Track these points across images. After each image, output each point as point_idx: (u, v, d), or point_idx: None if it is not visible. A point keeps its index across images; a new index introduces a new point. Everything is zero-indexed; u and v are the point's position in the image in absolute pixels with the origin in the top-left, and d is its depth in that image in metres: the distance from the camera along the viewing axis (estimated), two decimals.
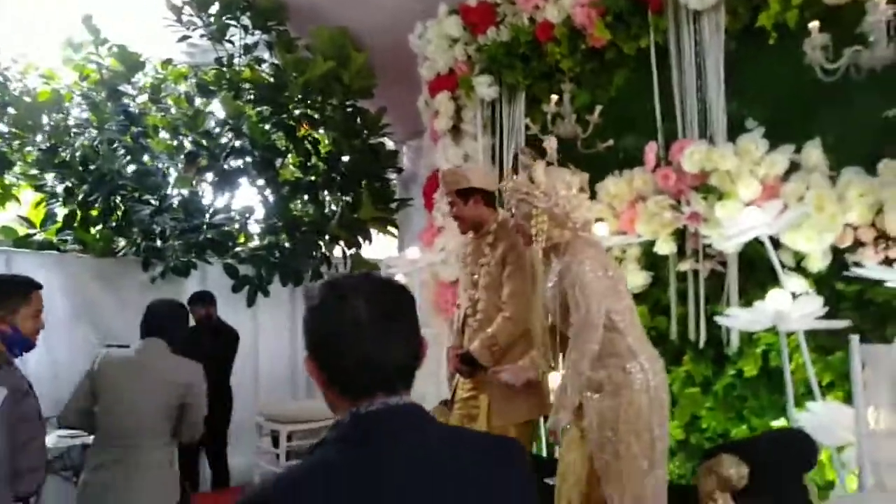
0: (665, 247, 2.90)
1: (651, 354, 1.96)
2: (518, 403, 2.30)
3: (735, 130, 2.76)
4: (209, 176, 4.61)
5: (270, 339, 4.76)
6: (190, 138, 4.62)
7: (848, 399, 2.21)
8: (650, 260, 3.03)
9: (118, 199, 4.54)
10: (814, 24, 2.35)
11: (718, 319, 2.50)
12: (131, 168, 4.59)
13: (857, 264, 2.34)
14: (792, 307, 2.21)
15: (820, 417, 2.12)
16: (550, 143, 2.04)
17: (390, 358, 0.90)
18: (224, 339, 4.10)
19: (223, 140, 4.56)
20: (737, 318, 2.36)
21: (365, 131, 4.85)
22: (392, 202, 5.02)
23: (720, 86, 2.80)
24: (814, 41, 2.35)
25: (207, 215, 4.45)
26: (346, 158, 4.81)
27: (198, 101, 4.84)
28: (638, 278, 3.01)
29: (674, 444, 2.98)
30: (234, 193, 4.79)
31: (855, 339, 1.98)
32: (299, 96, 4.62)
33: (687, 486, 2.04)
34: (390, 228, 4.93)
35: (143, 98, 4.86)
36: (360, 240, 4.92)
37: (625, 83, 3.24)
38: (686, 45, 2.91)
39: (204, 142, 4.47)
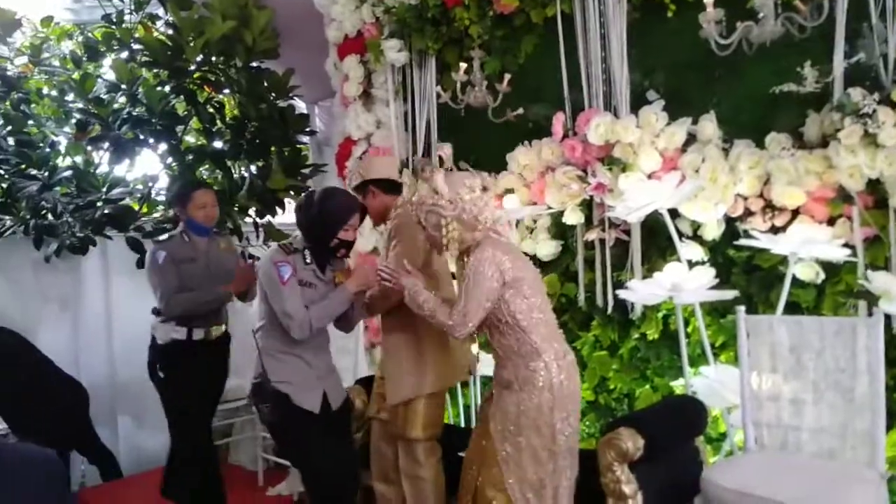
0: (573, 217, 2.96)
1: (558, 351, 2.01)
2: (402, 382, 2.34)
3: (637, 101, 2.80)
4: (104, 145, 4.29)
5: None
6: (80, 104, 4.26)
7: (738, 360, 2.35)
8: (560, 229, 3.09)
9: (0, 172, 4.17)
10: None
11: (619, 293, 2.59)
12: (13, 139, 4.20)
13: (746, 233, 2.47)
14: (686, 279, 2.32)
15: (711, 382, 2.26)
16: (445, 150, 2.08)
17: None
18: None
19: (116, 106, 4.23)
20: (637, 292, 2.45)
21: (272, 94, 4.63)
22: (305, 168, 4.85)
23: (623, 57, 2.80)
24: (708, 15, 2.40)
25: (104, 189, 4.16)
26: (253, 124, 4.58)
27: (85, 63, 4.45)
28: (548, 247, 3.09)
29: (584, 405, 3.12)
30: (133, 162, 4.49)
31: (741, 310, 2.10)
32: (199, 58, 4.33)
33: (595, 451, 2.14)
34: None
35: (23, 60, 4.42)
36: (274, 208, 4.75)
37: (533, 51, 3.21)
38: (591, 15, 2.88)
39: (94, 109, 4.13)
